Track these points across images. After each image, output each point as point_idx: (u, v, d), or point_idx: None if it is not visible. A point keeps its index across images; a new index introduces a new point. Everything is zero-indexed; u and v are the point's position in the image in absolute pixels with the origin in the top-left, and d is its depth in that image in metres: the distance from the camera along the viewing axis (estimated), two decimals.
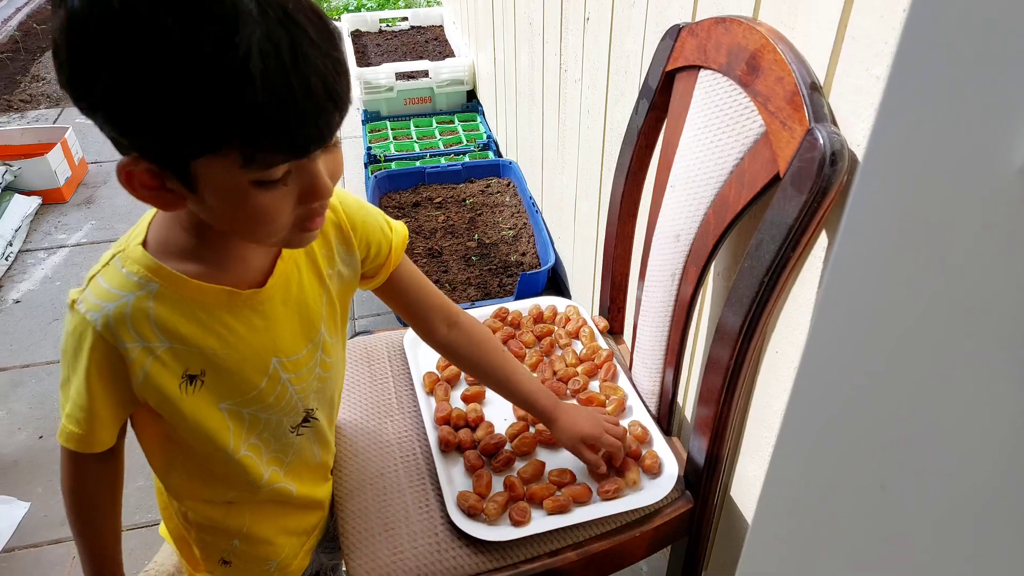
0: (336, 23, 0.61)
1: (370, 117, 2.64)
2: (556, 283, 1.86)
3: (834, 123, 0.67)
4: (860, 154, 0.65)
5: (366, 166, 2.29)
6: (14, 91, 3.08)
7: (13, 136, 2.46)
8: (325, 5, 3.44)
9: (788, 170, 0.67)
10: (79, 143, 2.46)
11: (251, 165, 0.51)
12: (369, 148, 2.39)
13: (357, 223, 0.75)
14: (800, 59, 0.69)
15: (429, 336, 0.86)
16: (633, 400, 0.98)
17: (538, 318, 1.12)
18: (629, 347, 1.10)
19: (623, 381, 1.02)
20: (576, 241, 1.67)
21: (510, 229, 1.98)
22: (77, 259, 2.09)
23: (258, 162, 0.51)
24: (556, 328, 1.09)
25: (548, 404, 0.87)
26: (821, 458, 0.43)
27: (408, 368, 1.05)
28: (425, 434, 0.95)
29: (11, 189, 2.24)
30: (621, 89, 1.28)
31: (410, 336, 1.09)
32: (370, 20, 3.28)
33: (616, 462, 0.88)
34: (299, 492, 0.80)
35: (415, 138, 2.51)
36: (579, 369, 1.01)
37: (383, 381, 1.04)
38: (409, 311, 0.85)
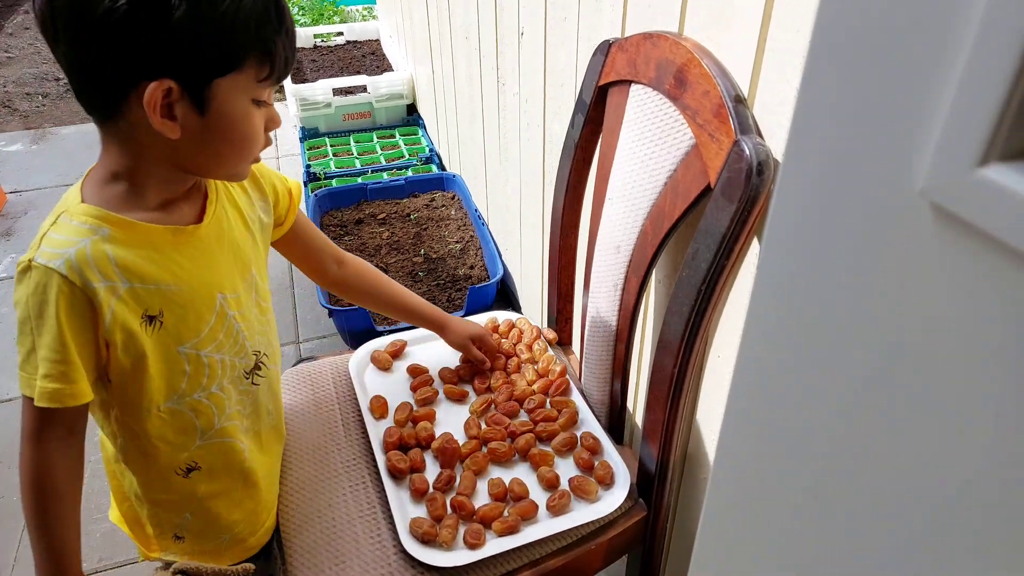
0: None
1: (308, 134, 2.59)
2: (506, 295, 1.86)
3: (759, 134, 0.69)
4: None
5: (305, 184, 2.25)
6: None
7: None
8: None
9: (718, 181, 0.69)
10: None
11: (265, 80, 0.65)
12: (308, 166, 2.35)
13: (263, 172, 0.84)
14: (724, 72, 0.71)
15: (323, 277, 0.97)
16: (584, 411, 0.99)
17: (495, 332, 1.11)
18: (578, 358, 1.11)
19: (575, 394, 1.02)
20: (523, 252, 1.67)
21: (457, 243, 1.97)
22: None
23: (268, 78, 0.65)
24: (518, 347, 1.09)
25: (438, 314, 1.04)
26: (758, 462, 0.43)
27: (354, 393, 1.03)
28: (375, 460, 0.93)
29: None
30: (558, 102, 1.29)
31: (355, 360, 1.07)
32: (304, 36, 3.23)
33: (493, 362, 1.05)
34: (251, 457, 0.83)
35: (356, 154, 2.48)
36: (535, 387, 1.01)
37: (329, 408, 1.02)
38: (305, 256, 0.94)
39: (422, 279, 1.86)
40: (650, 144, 0.82)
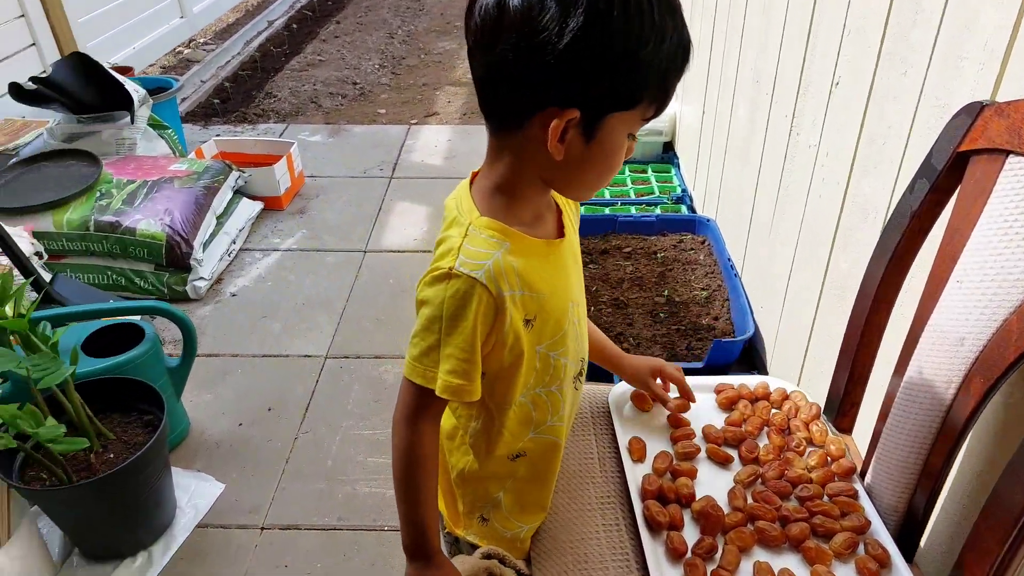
0: None
1: None
2: (750, 354, 1.74)
3: None
4: None
5: None
6: (250, 105, 3.46)
7: (247, 146, 2.75)
8: None
9: None
10: (300, 157, 2.70)
11: (650, 117, 0.68)
12: None
13: None
14: None
15: None
16: (871, 514, 0.87)
17: (765, 400, 1.03)
18: (860, 447, 0.99)
19: (859, 491, 0.90)
20: (785, 314, 1.55)
21: (703, 290, 1.89)
22: (287, 263, 2.28)
23: (652, 116, 0.68)
24: (792, 422, 0.99)
25: (616, 350, 1.02)
26: None
27: (611, 427, 1.01)
28: (629, 505, 0.89)
29: (240, 193, 2.50)
30: (873, 161, 1.17)
31: (615, 394, 1.04)
32: None
33: (683, 391, 1.01)
34: (558, 460, 0.87)
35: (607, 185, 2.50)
36: (813, 476, 0.91)
37: (585, 439, 1.00)
38: None
39: (662, 321, 1.81)
40: None
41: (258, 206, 2.50)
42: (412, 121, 3.23)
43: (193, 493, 1.51)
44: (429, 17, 4.63)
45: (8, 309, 1.28)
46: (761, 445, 0.96)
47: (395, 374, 1.84)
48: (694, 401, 1.01)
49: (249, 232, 2.42)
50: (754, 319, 1.70)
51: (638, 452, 0.95)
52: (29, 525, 1.28)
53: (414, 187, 2.70)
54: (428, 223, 2.47)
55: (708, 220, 2.10)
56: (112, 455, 1.35)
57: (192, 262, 2.09)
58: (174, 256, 2.06)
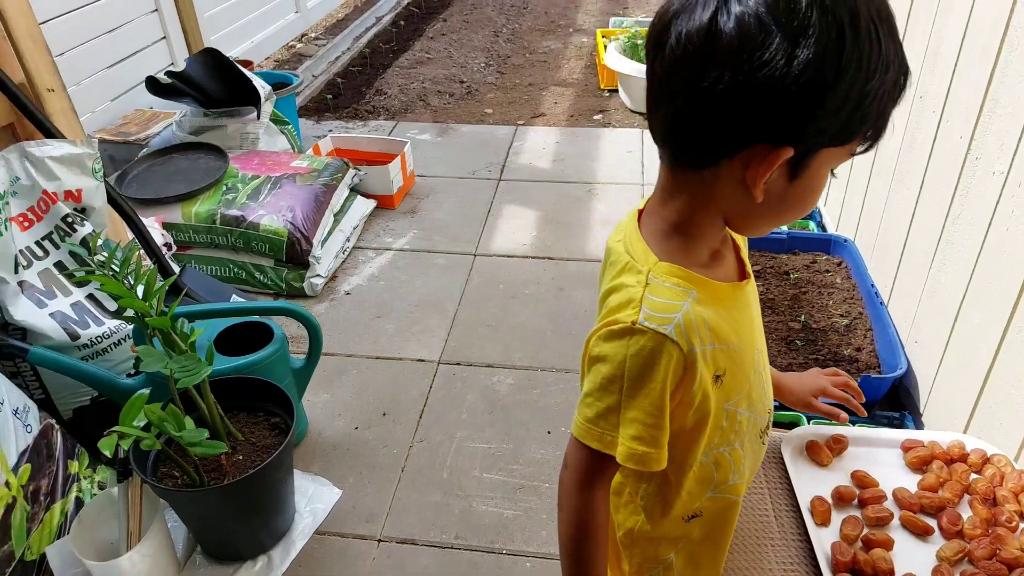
0: None
1: None
2: (896, 393, 1.60)
3: None
4: None
5: None
6: (360, 101, 3.49)
7: (361, 143, 2.77)
8: None
9: None
10: (412, 156, 2.70)
11: (861, 151, 0.61)
12: None
13: None
14: None
15: None
16: None
17: (962, 462, 0.92)
18: None
19: None
20: (949, 354, 1.41)
21: (842, 316, 1.76)
22: (400, 263, 2.27)
23: (865, 150, 0.61)
24: (999, 491, 0.88)
25: (774, 374, 0.89)
26: None
27: (785, 479, 0.92)
28: (815, 570, 0.80)
29: (355, 191, 2.51)
30: None
31: (790, 443, 0.95)
32: None
33: (854, 404, 0.91)
34: (737, 518, 0.80)
35: None
36: None
37: (758, 491, 0.91)
38: None
39: (799, 349, 1.68)
40: None
41: (371, 204, 2.51)
42: (519, 122, 3.18)
43: (312, 497, 1.51)
44: (533, 16, 4.57)
45: None
46: (965, 516, 0.85)
47: (508, 385, 1.80)
48: (865, 415, 0.93)
49: (362, 230, 2.43)
50: (905, 355, 1.56)
51: (822, 515, 0.86)
52: (160, 523, 1.30)
53: (522, 190, 2.65)
54: (537, 228, 2.41)
55: (846, 240, 1.95)
56: (240, 456, 1.36)
57: (310, 259, 2.11)
58: (294, 252, 2.09)
